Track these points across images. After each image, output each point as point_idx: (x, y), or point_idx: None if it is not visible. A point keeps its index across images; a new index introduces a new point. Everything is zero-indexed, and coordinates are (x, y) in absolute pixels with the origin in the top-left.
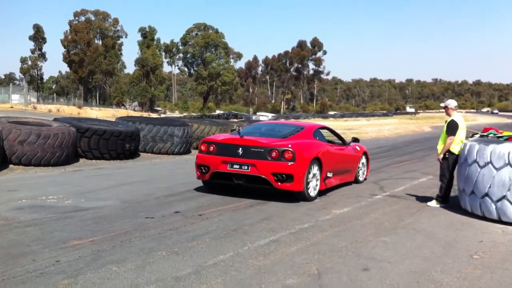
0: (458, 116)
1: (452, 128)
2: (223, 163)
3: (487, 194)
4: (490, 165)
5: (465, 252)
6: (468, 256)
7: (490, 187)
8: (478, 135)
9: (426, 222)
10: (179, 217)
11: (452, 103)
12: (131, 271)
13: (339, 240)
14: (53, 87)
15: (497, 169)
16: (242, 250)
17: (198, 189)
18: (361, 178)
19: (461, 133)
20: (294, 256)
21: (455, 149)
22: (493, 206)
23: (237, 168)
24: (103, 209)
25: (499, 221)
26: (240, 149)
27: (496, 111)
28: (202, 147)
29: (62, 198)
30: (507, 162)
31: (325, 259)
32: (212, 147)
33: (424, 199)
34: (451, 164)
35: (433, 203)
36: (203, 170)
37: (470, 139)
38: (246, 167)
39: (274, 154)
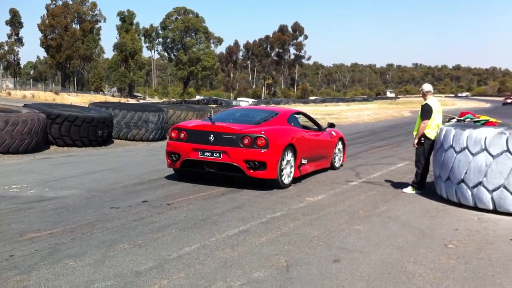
0: (433, 100)
1: (426, 112)
2: (194, 151)
3: (463, 180)
4: (466, 150)
5: (440, 241)
6: (442, 245)
7: (466, 173)
8: (454, 120)
9: (401, 209)
10: (145, 206)
11: (426, 87)
12: (88, 266)
13: (311, 229)
14: (31, 73)
15: (474, 155)
16: (209, 241)
17: (169, 177)
18: (337, 164)
19: (436, 117)
20: (263, 247)
21: (431, 134)
22: (469, 193)
23: (208, 156)
24: (67, 199)
25: (475, 208)
26: (212, 136)
27: (465, 95)
28: (173, 134)
29: (26, 187)
30: (483, 147)
31: (295, 250)
32: (182, 134)
33: (400, 186)
34: (427, 149)
35: (408, 190)
36: (174, 158)
37: (446, 123)
38: (217, 155)
39: (246, 141)
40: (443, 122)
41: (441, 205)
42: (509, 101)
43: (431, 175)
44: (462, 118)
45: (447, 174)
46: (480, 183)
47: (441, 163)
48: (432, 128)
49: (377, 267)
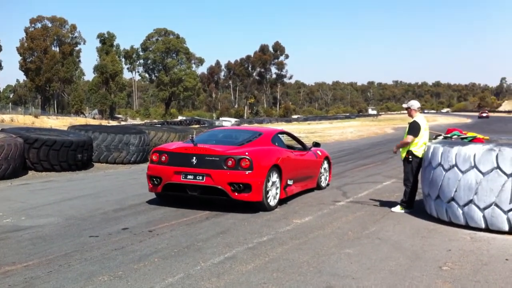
0: (420, 118)
1: (414, 129)
2: (176, 174)
3: (453, 199)
4: (455, 168)
5: (434, 263)
6: (436, 267)
7: (456, 191)
8: (441, 137)
9: (391, 229)
10: (126, 234)
11: (415, 104)
12: None
13: (299, 254)
14: (11, 96)
15: (463, 172)
16: (193, 270)
17: (150, 202)
18: (323, 184)
19: (424, 135)
20: (251, 275)
21: (419, 152)
22: (460, 211)
23: (191, 179)
24: (44, 228)
25: (467, 227)
26: (194, 158)
27: (445, 110)
28: (154, 157)
29: (1, 216)
30: (473, 164)
31: (284, 277)
32: (164, 157)
33: (388, 204)
34: (415, 167)
35: (397, 209)
36: (155, 182)
37: (433, 141)
38: (200, 177)
39: (230, 162)
40: (430, 140)
41: (432, 224)
42: (484, 114)
43: (420, 193)
44: (449, 135)
45: (436, 192)
46: (471, 201)
47: (430, 181)
48: (419, 146)
49: None
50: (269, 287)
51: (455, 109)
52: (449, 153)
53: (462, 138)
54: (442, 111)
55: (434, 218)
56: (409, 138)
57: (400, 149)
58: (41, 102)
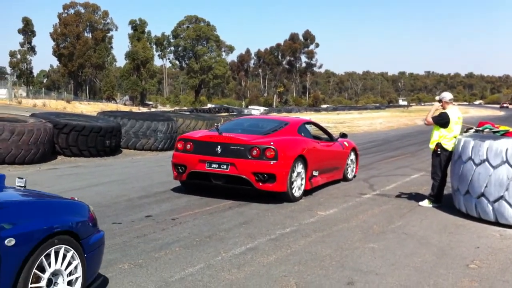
0: (452, 110)
1: (440, 118)
2: (200, 162)
3: (483, 194)
4: (486, 162)
5: (461, 260)
6: (464, 265)
7: (486, 186)
8: (473, 130)
9: (418, 224)
10: (149, 222)
11: (447, 96)
12: None
13: (322, 247)
14: (44, 81)
15: (494, 167)
16: (214, 260)
17: (175, 189)
18: (350, 176)
19: (454, 128)
20: (272, 267)
21: (448, 145)
22: (490, 207)
23: (215, 168)
24: None
25: (496, 223)
26: (219, 147)
27: (478, 102)
28: (179, 145)
29: None
30: (504, 159)
31: (306, 270)
32: (189, 145)
33: (416, 198)
34: (444, 161)
35: (425, 203)
36: (180, 170)
37: (464, 134)
38: (225, 167)
39: (255, 152)
40: (461, 133)
41: (460, 220)
42: (505, 105)
43: (448, 187)
44: (480, 128)
45: (466, 187)
46: (501, 197)
47: (460, 175)
48: (449, 139)
49: None
50: (290, 280)
51: (488, 101)
52: (480, 147)
53: (494, 132)
54: (475, 103)
55: (463, 214)
56: (429, 119)
57: (430, 146)
58: (73, 88)
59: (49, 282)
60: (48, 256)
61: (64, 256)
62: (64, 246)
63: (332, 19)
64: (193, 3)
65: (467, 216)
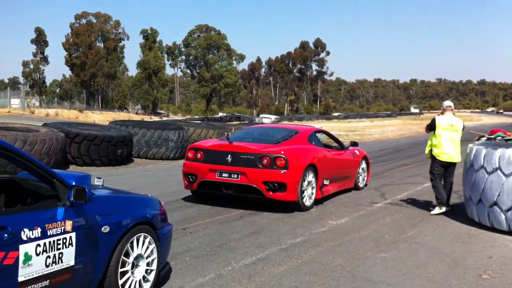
0: (444, 117)
1: (429, 124)
2: (211, 172)
3: (496, 203)
4: (498, 171)
5: (473, 270)
6: (476, 276)
7: (499, 195)
8: (484, 138)
9: (430, 234)
10: None
11: (444, 103)
12: None
13: (333, 257)
14: (57, 91)
15: (507, 176)
16: (224, 271)
17: (186, 199)
18: (361, 185)
19: (442, 134)
20: (283, 277)
21: (436, 152)
22: (503, 216)
23: (226, 177)
24: None
25: (509, 232)
26: (229, 156)
27: (501, 111)
28: (189, 154)
29: None
30: None
31: (317, 281)
32: (199, 154)
33: (428, 207)
34: (436, 167)
35: (436, 210)
36: (191, 179)
37: (476, 142)
38: (235, 176)
39: (265, 161)
40: (472, 140)
41: (473, 229)
42: (500, 111)
43: (461, 196)
44: (492, 136)
45: (478, 196)
46: None
47: (472, 184)
48: (436, 146)
49: None
50: None
51: (500, 108)
52: (493, 155)
53: (507, 140)
54: (487, 110)
55: (475, 223)
56: (426, 128)
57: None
58: (86, 97)
59: (132, 265)
60: (132, 243)
61: (143, 243)
62: (144, 234)
63: (342, 27)
64: (204, 12)
65: (479, 225)
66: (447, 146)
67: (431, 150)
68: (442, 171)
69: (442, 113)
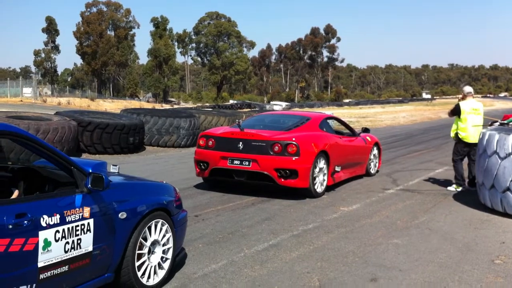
0: (467, 102)
1: (453, 109)
2: (222, 159)
3: (508, 188)
4: (511, 156)
5: (486, 256)
6: (489, 261)
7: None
8: (497, 123)
9: (442, 220)
10: None
11: (465, 89)
12: (106, 286)
13: (345, 243)
14: (69, 80)
15: None
16: (237, 257)
17: (198, 186)
18: (372, 171)
19: (468, 118)
20: (295, 263)
21: (463, 135)
22: None
23: (237, 164)
24: None
25: None
26: (240, 143)
27: (503, 95)
28: (201, 142)
29: None
30: None
31: (329, 267)
32: (211, 142)
33: (440, 193)
34: (461, 148)
35: (452, 188)
36: (202, 167)
37: (489, 127)
38: (247, 163)
39: (276, 148)
40: (485, 126)
41: (486, 215)
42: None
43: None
44: (505, 122)
45: (491, 181)
46: None
47: (485, 170)
48: (463, 129)
49: None
50: (313, 277)
51: None
52: (505, 141)
53: None
54: (500, 95)
55: (488, 209)
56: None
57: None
58: (97, 86)
59: (148, 251)
60: (149, 228)
61: (160, 229)
62: (161, 220)
63: (353, 13)
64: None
65: (492, 210)
66: (472, 129)
67: (457, 133)
68: (467, 150)
69: (462, 99)
